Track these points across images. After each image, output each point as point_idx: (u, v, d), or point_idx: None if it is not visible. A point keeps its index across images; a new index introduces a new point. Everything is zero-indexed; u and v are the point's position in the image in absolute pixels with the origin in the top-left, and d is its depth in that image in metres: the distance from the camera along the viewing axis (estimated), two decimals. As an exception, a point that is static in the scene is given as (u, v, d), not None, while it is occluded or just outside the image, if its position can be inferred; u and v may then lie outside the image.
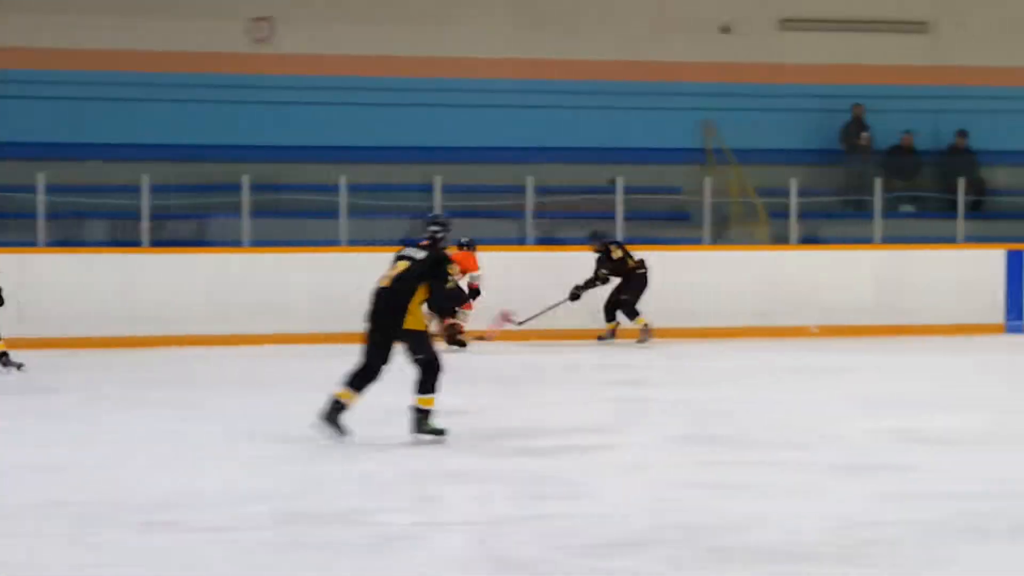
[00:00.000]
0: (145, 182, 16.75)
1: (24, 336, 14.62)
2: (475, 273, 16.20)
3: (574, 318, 16.82)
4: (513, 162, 19.07)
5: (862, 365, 14.46)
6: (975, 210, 19.68)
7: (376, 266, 16.49)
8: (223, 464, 8.54)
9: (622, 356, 15.60)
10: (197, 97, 19.26)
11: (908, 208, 20.25)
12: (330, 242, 17.51)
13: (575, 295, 16.48)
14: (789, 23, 20.87)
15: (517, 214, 17.94)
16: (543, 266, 17.17)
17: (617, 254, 16.48)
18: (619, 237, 17.08)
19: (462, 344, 15.49)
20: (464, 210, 18.49)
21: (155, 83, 19.17)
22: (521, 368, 14.32)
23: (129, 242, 17.19)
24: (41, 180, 16.61)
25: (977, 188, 20.06)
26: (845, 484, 7.75)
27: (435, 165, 18.22)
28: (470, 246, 16.24)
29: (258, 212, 17.38)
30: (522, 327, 16.57)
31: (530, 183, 17.70)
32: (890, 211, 19.14)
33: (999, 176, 20.71)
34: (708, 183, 18.14)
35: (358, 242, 17.26)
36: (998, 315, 18.00)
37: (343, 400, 9.18)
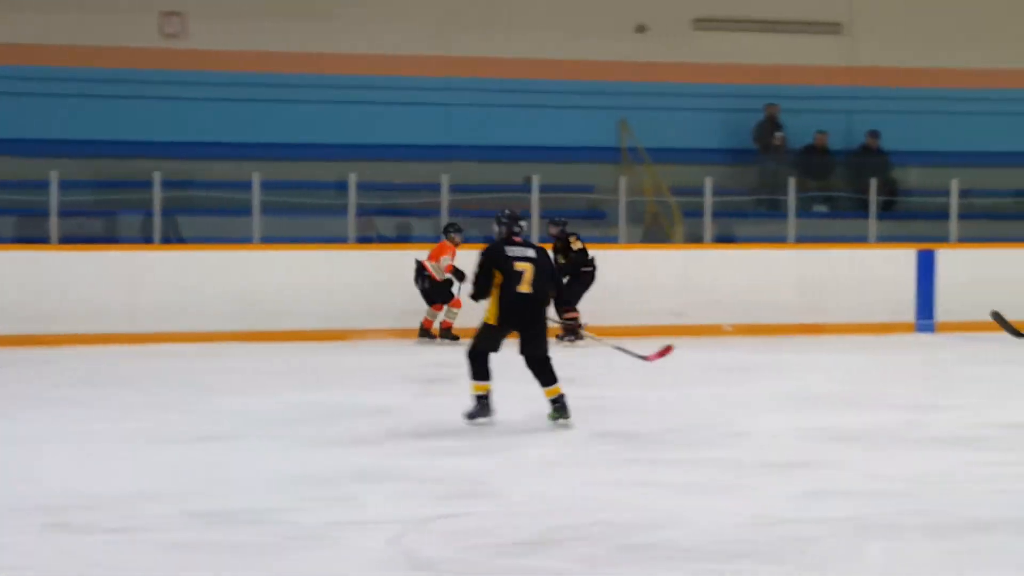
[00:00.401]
0: (54, 178, 16.50)
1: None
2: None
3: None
4: (429, 160, 19.03)
5: (776, 364, 14.54)
6: (887, 210, 19.87)
7: (291, 264, 16.77)
8: (130, 464, 8.42)
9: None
10: (108, 92, 19.05)
11: (822, 208, 20.40)
12: (242, 239, 17.36)
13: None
14: (704, 23, 20.95)
15: (433, 212, 17.87)
16: (458, 264, 17.08)
17: (577, 245, 16.34)
18: (535, 236, 17.01)
19: (456, 338, 15.96)
20: (381, 208, 18.48)
21: (65, 78, 18.92)
22: (437, 367, 14.25)
23: (37, 239, 16.95)
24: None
25: (889, 188, 20.26)
26: (761, 482, 7.77)
27: (351, 162, 18.10)
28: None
29: (170, 209, 17.19)
30: None
31: (445, 181, 17.65)
32: (804, 211, 19.26)
33: (911, 176, 20.93)
34: (623, 182, 18.16)
35: (272, 239, 17.14)
36: (909, 314, 18.17)
37: (482, 392, 9.66)
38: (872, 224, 18.63)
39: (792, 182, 18.48)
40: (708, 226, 18.27)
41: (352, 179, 17.32)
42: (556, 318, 13.59)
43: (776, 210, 19.26)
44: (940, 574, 5.82)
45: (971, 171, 19.64)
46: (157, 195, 16.83)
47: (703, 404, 11.19)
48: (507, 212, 10.09)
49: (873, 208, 18.68)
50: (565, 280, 15.64)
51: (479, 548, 6.18)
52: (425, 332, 16.49)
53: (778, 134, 20.50)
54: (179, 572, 5.89)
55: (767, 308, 17.79)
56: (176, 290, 16.47)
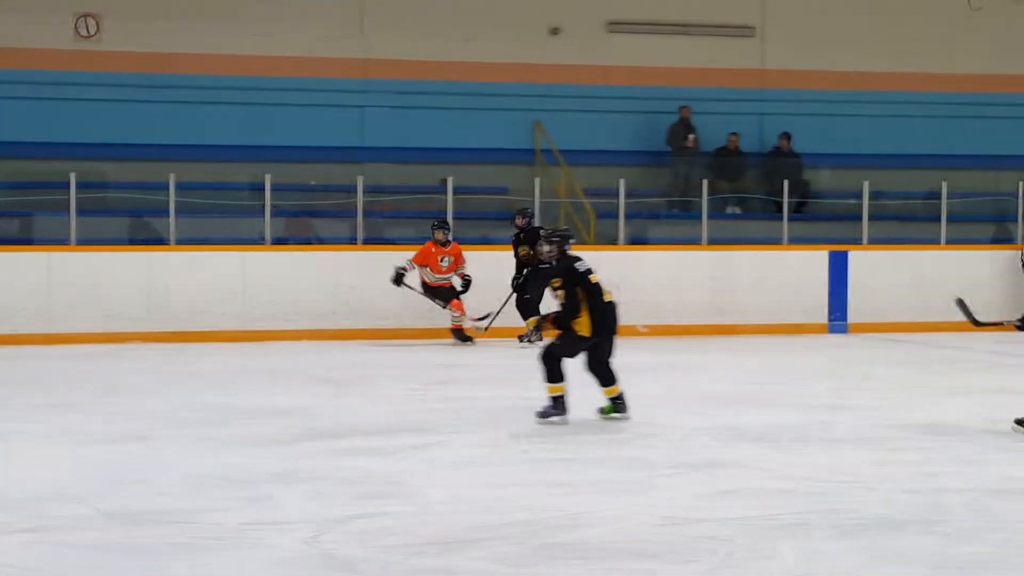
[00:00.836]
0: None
1: None
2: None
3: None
4: (344, 161, 19.03)
5: (688, 364, 14.68)
6: (798, 212, 20.11)
7: (202, 265, 16.72)
8: (44, 464, 8.37)
9: (457, 356, 15.65)
10: (21, 94, 18.90)
11: (734, 210, 20.62)
12: (158, 241, 17.31)
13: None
14: (617, 26, 21.09)
15: (348, 213, 17.87)
16: (372, 265, 17.10)
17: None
18: (450, 237, 17.04)
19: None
20: (295, 209, 18.46)
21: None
22: (357, 367, 14.28)
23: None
24: None
25: (801, 190, 20.51)
26: (673, 482, 7.87)
27: (266, 164, 18.07)
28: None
29: (85, 210, 17.09)
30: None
31: (360, 182, 17.66)
32: (716, 212, 19.46)
33: (823, 178, 21.21)
34: (538, 183, 18.26)
35: (187, 240, 17.08)
36: (822, 315, 18.40)
37: (558, 393, 9.99)
38: (785, 225, 18.85)
39: (705, 184, 18.68)
40: (622, 227, 18.40)
41: (267, 180, 17.30)
42: None
43: (689, 211, 19.45)
44: (850, 573, 5.93)
45: (882, 173, 19.94)
46: (72, 196, 16.72)
47: (617, 404, 11.26)
48: (560, 230, 10.55)
49: (786, 210, 18.91)
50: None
51: (397, 548, 6.22)
52: (460, 334, 16.51)
53: (691, 136, 20.69)
54: (95, 572, 5.89)
55: (681, 309, 17.96)
56: (91, 290, 16.41)
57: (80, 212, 16.89)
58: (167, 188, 16.94)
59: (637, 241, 19.24)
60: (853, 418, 10.39)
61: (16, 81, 18.87)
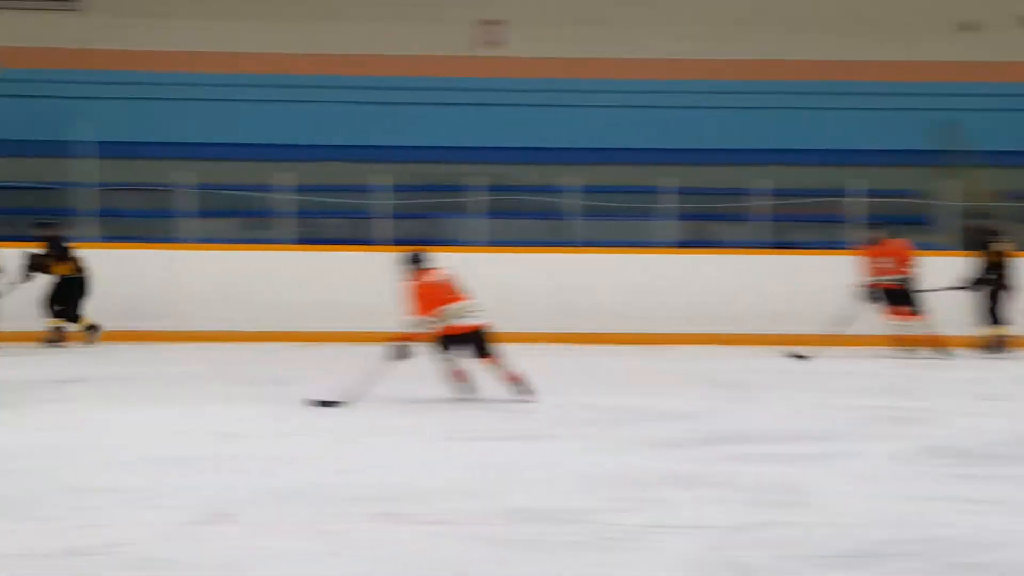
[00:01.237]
0: (382, 182, 16.94)
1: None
2: None
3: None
4: (754, 164, 18.85)
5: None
6: None
7: (609, 267, 16.82)
8: (447, 460, 8.56)
9: (857, 365, 15.24)
10: (427, 100, 19.48)
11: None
12: (561, 243, 17.55)
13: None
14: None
15: (748, 217, 17.69)
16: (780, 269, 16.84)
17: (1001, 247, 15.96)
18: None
19: None
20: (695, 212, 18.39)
21: (388, 87, 19.45)
22: (736, 372, 14.09)
23: (363, 240, 17.44)
24: (288, 180, 16.94)
25: None
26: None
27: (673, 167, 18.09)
28: None
29: (489, 213, 17.46)
30: None
31: (765, 185, 17.44)
32: None
33: None
34: (946, 186, 17.62)
35: (591, 243, 17.27)
36: None
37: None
38: None
39: None
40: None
41: (668, 183, 17.33)
42: None
43: None
44: None
45: None
46: (478, 199, 17.10)
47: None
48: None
49: None
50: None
51: (798, 558, 6.03)
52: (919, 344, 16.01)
53: None
54: (498, 567, 5.94)
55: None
56: (498, 289, 16.71)
57: (488, 214, 17.24)
58: (561, 191, 17.13)
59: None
60: None
61: (421, 87, 19.46)
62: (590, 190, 17.43)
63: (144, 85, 19.20)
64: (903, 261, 15.93)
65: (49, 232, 15.44)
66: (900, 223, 18.41)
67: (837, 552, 6.14)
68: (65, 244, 15.46)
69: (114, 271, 16.23)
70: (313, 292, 16.50)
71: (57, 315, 15.30)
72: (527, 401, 10.36)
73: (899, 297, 15.84)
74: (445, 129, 19.38)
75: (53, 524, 6.55)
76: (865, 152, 19.32)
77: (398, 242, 17.22)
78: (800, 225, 18.49)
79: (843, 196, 17.57)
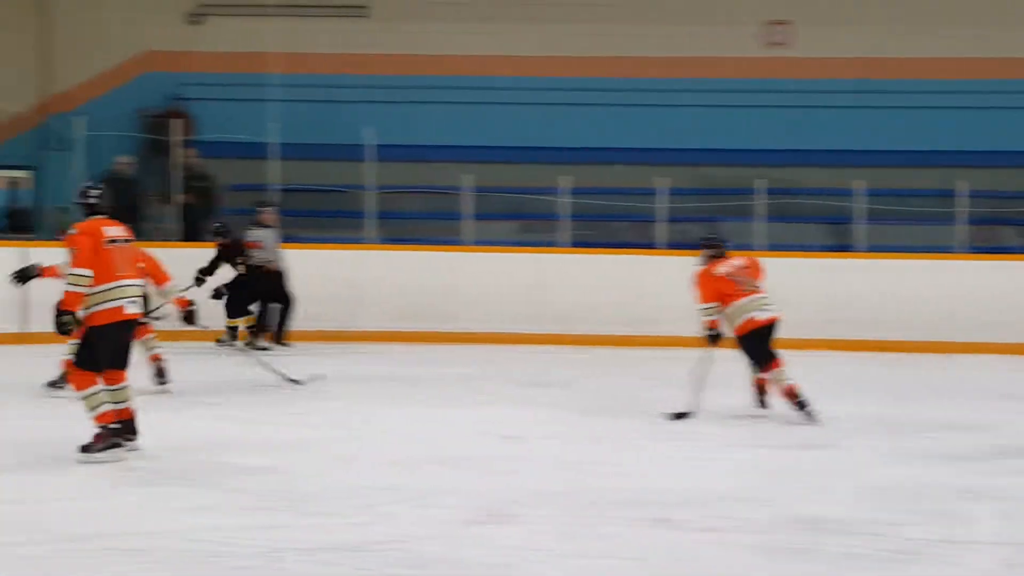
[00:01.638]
0: (662, 185, 16.88)
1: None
2: None
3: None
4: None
5: None
6: None
7: (891, 273, 16.41)
8: (727, 466, 8.49)
9: None
10: (710, 102, 19.34)
11: None
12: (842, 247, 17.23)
13: None
14: None
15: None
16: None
17: None
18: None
19: None
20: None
21: (671, 88, 19.39)
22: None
23: (642, 244, 17.40)
24: (566, 183, 17.02)
25: None
26: None
27: (958, 169, 17.57)
28: None
29: (770, 216, 17.22)
30: None
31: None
32: None
33: None
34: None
35: (876, 248, 16.90)
36: None
37: None
38: None
39: None
40: None
41: (961, 187, 16.84)
42: None
43: None
44: None
45: None
46: (760, 202, 16.91)
47: None
48: None
49: None
50: None
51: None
52: None
53: None
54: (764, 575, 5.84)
55: None
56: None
57: (769, 218, 17.03)
58: (851, 194, 16.82)
59: None
60: None
61: (704, 89, 19.34)
62: (875, 193, 17.02)
63: (425, 89, 19.51)
64: None
65: (225, 237, 15.49)
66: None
67: None
68: (243, 247, 15.52)
69: (394, 273, 16.53)
70: (590, 295, 16.50)
71: (234, 315, 15.38)
72: (808, 414, 10.10)
73: None
74: (727, 131, 19.17)
75: (336, 519, 6.70)
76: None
77: (676, 246, 17.15)
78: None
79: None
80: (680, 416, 10.14)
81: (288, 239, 16.16)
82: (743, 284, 10.48)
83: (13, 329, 15.23)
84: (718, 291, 10.44)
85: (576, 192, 17.18)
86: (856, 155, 18.61)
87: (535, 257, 16.78)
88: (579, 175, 17.45)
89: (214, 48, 19.68)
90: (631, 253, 17.14)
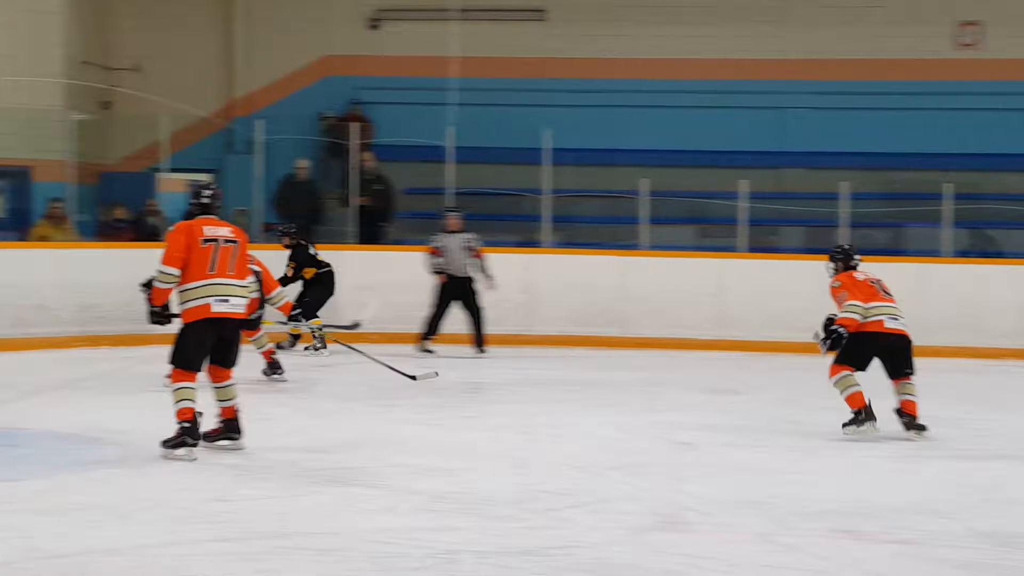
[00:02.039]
0: (844, 190, 16.55)
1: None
2: None
3: None
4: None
5: None
6: None
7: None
8: (914, 477, 8.25)
9: None
10: (898, 105, 18.96)
11: None
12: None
13: None
14: None
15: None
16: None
17: None
18: None
19: None
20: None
21: (858, 92, 19.08)
22: None
23: (820, 249, 17.10)
24: (744, 187, 16.78)
25: None
26: None
27: None
28: None
29: (959, 222, 16.80)
30: None
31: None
32: None
33: None
34: None
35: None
36: None
37: None
38: None
39: None
40: None
41: None
42: None
43: None
44: None
45: None
46: (947, 207, 16.51)
47: None
48: None
49: None
50: None
51: None
52: None
53: None
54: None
55: None
56: (960, 305, 16.01)
57: (956, 224, 16.64)
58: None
59: None
60: None
61: (891, 92, 18.98)
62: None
63: (602, 93, 19.43)
64: None
65: (293, 240, 15.30)
66: None
67: None
68: (311, 249, 15.34)
69: (569, 277, 16.45)
70: (765, 301, 16.22)
71: (293, 317, 15.12)
72: (919, 431, 9.66)
73: None
74: (912, 135, 18.75)
75: (511, 523, 6.63)
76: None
77: (860, 252, 16.77)
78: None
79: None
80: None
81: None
82: (883, 291, 10.14)
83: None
84: (863, 292, 10.06)
85: (753, 197, 16.91)
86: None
87: (713, 262, 16.57)
88: (757, 180, 17.21)
89: (392, 52, 19.86)
90: (811, 259, 16.86)
